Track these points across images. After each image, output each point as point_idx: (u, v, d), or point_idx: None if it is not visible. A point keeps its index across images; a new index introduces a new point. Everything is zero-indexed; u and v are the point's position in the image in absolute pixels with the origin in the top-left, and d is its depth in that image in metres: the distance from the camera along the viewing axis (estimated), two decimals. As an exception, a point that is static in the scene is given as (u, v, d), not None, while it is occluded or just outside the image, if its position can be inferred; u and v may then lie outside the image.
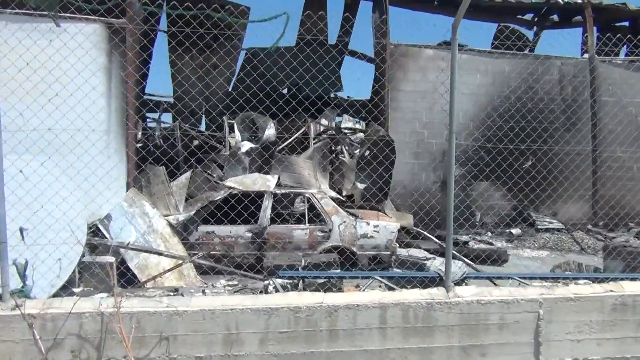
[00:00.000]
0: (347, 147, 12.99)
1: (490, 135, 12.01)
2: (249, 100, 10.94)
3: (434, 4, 14.12)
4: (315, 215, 9.04)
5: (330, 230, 8.84)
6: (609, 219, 13.22)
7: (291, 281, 5.03)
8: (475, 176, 12.66)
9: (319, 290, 4.78)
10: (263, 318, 3.67)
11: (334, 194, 10.89)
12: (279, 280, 4.98)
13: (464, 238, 11.28)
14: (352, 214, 9.53)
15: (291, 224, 9.03)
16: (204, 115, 14.62)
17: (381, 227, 9.07)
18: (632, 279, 5.34)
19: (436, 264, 5.20)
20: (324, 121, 14.49)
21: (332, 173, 11.76)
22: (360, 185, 11.09)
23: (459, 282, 5.14)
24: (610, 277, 5.58)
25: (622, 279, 5.35)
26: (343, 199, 10.64)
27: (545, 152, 12.79)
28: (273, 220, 8.88)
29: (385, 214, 10.20)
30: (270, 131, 10.81)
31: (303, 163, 10.93)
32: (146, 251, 7.04)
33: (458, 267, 5.21)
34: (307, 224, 8.82)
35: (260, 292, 4.97)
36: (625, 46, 16.26)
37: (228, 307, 3.66)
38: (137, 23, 10.59)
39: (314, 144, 11.60)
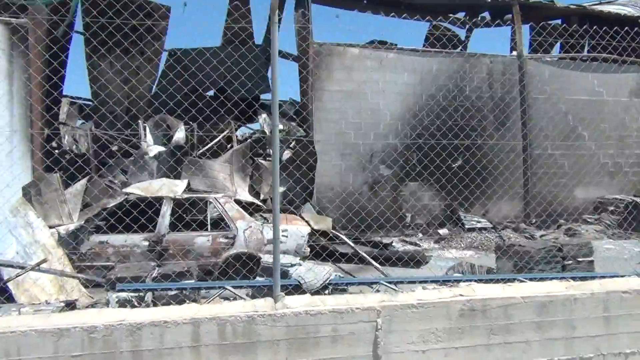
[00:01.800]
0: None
1: (419, 135, 11.79)
2: (174, 103, 10.45)
3: (363, 3, 13.87)
4: (220, 221, 8.60)
5: (234, 237, 8.40)
6: (540, 216, 13.14)
7: (137, 294, 4.59)
8: (405, 176, 12.44)
9: (171, 304, 4.37)
10: (51, 341, 3.22)
11: (250, 198, 10.49)
12: (123, 294, 4.53)
13: (387, 240, 10.97)
14: (265, 219, 9.15)
15: (192, 230, 8.53)
16: (129, 120, 14.04)
17: (290, 231, 8.66)
18: (502, 281, 5.07)
19: (300, 270, 4.82)
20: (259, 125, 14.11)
21: (254, 176, 11.36)
22: (280, 189, 10.70)
23: (321, 289, 4.79)
24: (467, 279, 5.30)
25: (497, 281, 5.07)
26: (259, 203, 10.23)
27: (475, 151, 12.64)
28: (176, 227, 8.40)
29: (302, 217, 9.82)
30: (179, 134, 10.35)
31: (219, 167, 10.49)
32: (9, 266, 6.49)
33: (322, 273, 4.86)
34: (210, 231, 8.37)
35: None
36: (558, 44, 16.31)
37: (9, 330, 3.20)
38: (40, 20, 10.03)
39: (231, 147, 11.17)
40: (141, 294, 4.59)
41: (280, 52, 15.32)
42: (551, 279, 4.81)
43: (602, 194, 13.72)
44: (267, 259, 5.29)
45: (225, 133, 12.03)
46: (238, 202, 9.02)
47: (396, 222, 12.37)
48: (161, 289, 4.63)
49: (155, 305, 4.76)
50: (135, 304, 4.61)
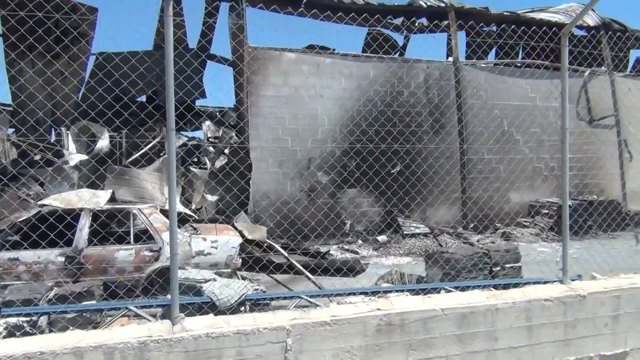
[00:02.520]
0: (208, 158, 12.16)
1: (357, 140, 11.63)
2: (102, 109, 9.84)
3: (299, 7, 13.62)
4: (143, 233, 8.12)
5: (160, 249, 7.94)
6: (478, 220, 13.22)
7: (29, 319, 4.13)
8: (343, 183, 12.25)
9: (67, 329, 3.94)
10: None
11: (181, 208, 10.02)
12: (12, 320, 4.06)
13: (325, 249, 10.73)
14: (195, 229, 8.74)
15: (113, 244, 7.99)
16: (53, 125, 13.27)
17: (220, 242, 8.27)
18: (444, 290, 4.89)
19: (214, 286, 4.47)
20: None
21: (185, 186, 10.89)
22: (211, 198, 10.28)
23: (237, 306, 4.46)
24: (397, 290, 5.11)
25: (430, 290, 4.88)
26: (190, 213, 9.78)
27: (414, 157, 12.60)
28: (99, 241, 7.86)
29: (234, 227, 9.44)
30: (103, 142, 9.79)
31: (147, 176, 9.97)
32: None
33: (238, 289, 4.53)
34: (133, 244, 7.87)
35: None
36: (494, 50, 16.60)
37: None
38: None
39: (163, 154, 10.66)
40: (34, 318, 4.13)
41: (215, 56, 14.96)
42: (475, 287, 4.66)
43: (537, 197, 13.97)
44: (181, 274, 4.90)
45: (157, 140, 11.50)
46: (165, 212, 8.55)
47: (334, 230, 12.17)
48: (58, 312, 4.18)
49: (51, 331, 4.32)
50: (28, 330, 4.15)
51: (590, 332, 4.09)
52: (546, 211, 13.23)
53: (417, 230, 11.79)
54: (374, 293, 5.46)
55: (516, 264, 5.74)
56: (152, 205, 8.43)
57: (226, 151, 11.67)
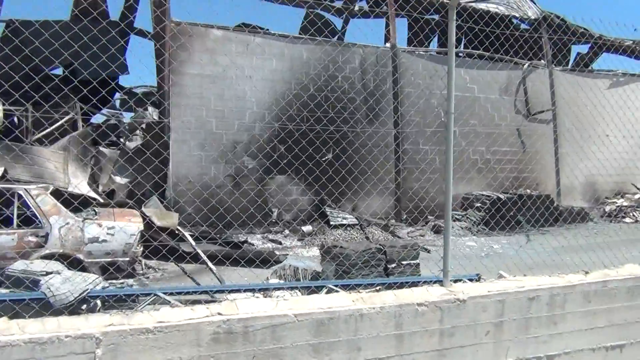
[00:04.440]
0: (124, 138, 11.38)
1: (286, 125, 11.09)
2: (13, 81, 8.88)
3: (233, -18, 12.93)
4: (33, 217, 7.37)
5: (47, 235, 7.22)
6: (410, 212, 12.92)
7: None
8: (271, 169, 11.69)
9: None
10: None
11: (86, 189, 9.28)
12: None
13: (243, 238, 10.19)
14: (96, 212, 8.06)
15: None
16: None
17: (117, 229, 7.62)
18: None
19: (54, 281, 3.85)
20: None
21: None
22: (121, 180, 9.57)
23: (78, 304, 3.86)
24: (280, 287, 4.64)
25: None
26: (96, 195, 9.05)
27: (346, 145, 12.15)
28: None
29: (142, 213, 8.78)
30: (-5, 115, 8.92)
31: (49, 154, 9.18)
32: None
33: (83, 284, 3.93)
34: (15, 228, 7.12)
35: None
36: (436, 38, 16.29)
37: None
38: None
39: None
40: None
41: (135, 28, 14.07)
42: (356, 287, 4.22)
43: (470, 190, 13.77)
44: (18, 265, 4.25)
45: (68, 117, 10.64)
46: (57, 193, 7.81)
47: (262, 219, 11.63)
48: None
49: None
50: None
51: (469, 341, 3.68)
52: (479, 204, 13.04)
53: (344, 221, 11.36)
54: (261, 290, 4.96)
55: (414, 261, 5.34)
56: (42, 186, 7.67)
57: (139, 131, 10.92)
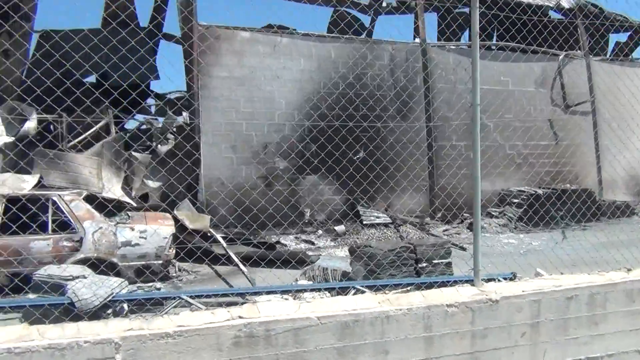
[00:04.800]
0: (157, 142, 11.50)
1: (316, 124, 11.02)
2: (46, 91, 9.10)
3: (259, -16, 12.94)
4: (67, 222, 7.50)
5: (81, 239, 7.33)
6: (446, 210, 12.66)
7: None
8: (303, 169, 11.61)
9: None
10: None
11: (120, 194, 9.40)
12: None
13: (276, 239, 10.16)
14: (129, 217, 8.14)
15: (30, 233, 7.34)
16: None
17: (149, 232, 7.69)
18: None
19: (79, 285, 3.86)
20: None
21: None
22: (153, 184, 9.66)
23: (99, 309, 3.86)
24: (312, 288, 4.54)
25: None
26: (129, 200, 9.16)
27: (378, 143, 12.01)
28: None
29: (172, 215, 8.83)
30: (30, 124, 9.12)
31: (83, 160, 9.34)
32: None
33: (106, 289, 3.92)
34: (50, 233, 7.25)
35: None
36: (466, 32, 15.93)
37: None
38: None
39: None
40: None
41: (170, 36, 14.21)
42: (382, 287, 4.09)
43: (508, 186, 13.41)
44: (44, 271, 4.28)
45: (102, 123, 10.83)
46: (92, 199, 7.91)
47: (296, 219, 11.58)
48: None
49: None
50: None
51: (503, 343, 3.51)
52: (516, 200, 12.68)
53: (378, 220, 11.20)
54: (288, 292, 4.89)
55: (444, 260, 5.17)
56: (75, 192, 7.80)
57: (170, 135, 11.02)
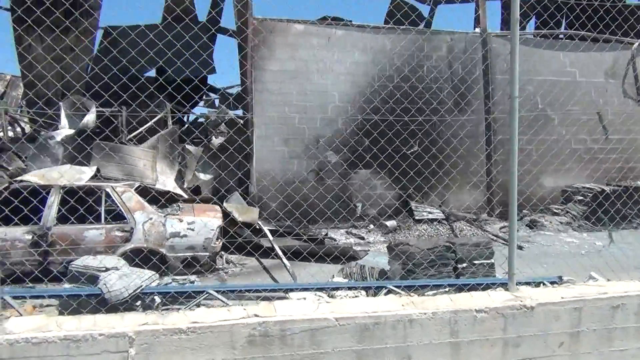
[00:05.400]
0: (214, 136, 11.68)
1: (369, 118, 10.86)
2: (109, 85, 9.53)
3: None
4: (119, 213, 7.73)
5: (132, 229, 7.54)
6: (504, 206, 12.14)
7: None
8: (355, 163, 11.50)
9: None
10: None
11: (173, 186, 9.62)
12: None
13: (327, 233, 10.09)
14: (180, 208, 8.30)
15: (86, 223, 7.60)
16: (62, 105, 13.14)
17: (198, 224, 7.80)
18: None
19: (111, 277, 3.93)
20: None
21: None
22: (205, 176, 9.82)
23: (130, 301, 3.91)
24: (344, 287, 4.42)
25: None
26: (180, 192, 9.34)
27: (436, 135, 11.69)
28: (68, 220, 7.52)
29: (222, 207, 8.94)
30: (90, 116, 9.46)
31: (139, 152, 9.62)
32: None
33: (136, 280, 3.97)
34: (103, 223, 7.49)
35: None
36: (533, 21, 15.24)
37: None
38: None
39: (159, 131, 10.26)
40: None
41: (226, 30, 14.37)
42: (412, 288, 3.92)
43: (572, 183, 12.71)
44: (80, 262, 4.39)
45: (159, 116, 11.11)
46: (145, 191, 8.11)
47: (347, 214, 11.46)
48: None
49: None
50: None
51: (539, 352, 3.28)
52: (580, 198, 12.00)
53: (430, 216, 10.91)
54: (320, 289, 4.80)
55: (487, 261, 4.90)
56: (127, 184, 8.03)
57: (222, 127, 11.15)
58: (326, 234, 9.86)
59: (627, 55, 13.47)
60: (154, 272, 4.13)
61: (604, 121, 13.15)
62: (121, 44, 11.02)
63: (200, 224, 7.81)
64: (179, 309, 3.55)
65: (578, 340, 3.32)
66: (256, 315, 2.98)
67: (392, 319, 3.07)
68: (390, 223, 10.73)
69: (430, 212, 11.00)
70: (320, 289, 4.73)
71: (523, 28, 14.76)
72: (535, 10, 13.90)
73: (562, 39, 13.98)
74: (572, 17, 14.25)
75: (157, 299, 4.10)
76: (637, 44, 13.33)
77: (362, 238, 10.53)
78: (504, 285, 3.46)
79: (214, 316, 2.95)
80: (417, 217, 10.80)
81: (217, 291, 3.88)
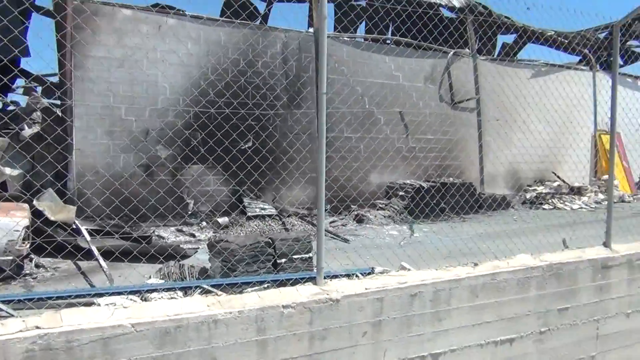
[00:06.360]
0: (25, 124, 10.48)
1: (203, 112, 10.52)
2: None
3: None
4: None
5: None
6: (338, 201, 12.61)
7: None
8: (188, 158, 11.07)
9: None
10: None
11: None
12: None
13: (157, 232, 9.61)
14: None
15: None
16: None
17: (-1, 225, 6.90)
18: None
19: None
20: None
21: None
22: (11, 171, 8.77)
23: None
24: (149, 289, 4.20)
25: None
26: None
27: (269, 132, 11.72)
28: None
29: (31, 205, 8.04)
30: None
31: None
32: None
33: None
34: None
35: None
36: (363, 25, 16.04)
37: None
38: None
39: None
40: None
41: (41, 8, 13.02)
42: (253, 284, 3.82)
43: (396, 179, 13.65)
44: None
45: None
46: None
47: (180, 210, 11.03)
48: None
49: None
50: None
51: (344, 343, 3.37)
52: (402, 193, 12.93)
53: (263, 212, 10.94)
54: (134, 292, 4.49)
55: (306, 255, 5.00)
56: None
57: (34, 116, 10.09)
58: (152, 233, 9.37)
59: (443, 64, 14.80)
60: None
61: (405, 120, 14.21)
62: None
63: (1, 225, 6.92)
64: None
65: (380, 328, 3.48)
66: (37, 327, 2.64)
67: (195, 320, 2.93)
68: (222, 220, 10.56)
69: (263, 209, 11.04)
70: (134, 292, 4.44)
71: (355, 30, 15.48)
72: (367, 12, 14.62)
73: (389, 43, 14.92)
74: (398, 22, 15.25)
75: None
76: (451, 53, 14.70)
77: (194, 235, 10.22)
78: (314, 279, 3.50)
79: (-13, 331, 2.55)
80: (249, 214, 10.76)
81: (3, 301, 3.40)
